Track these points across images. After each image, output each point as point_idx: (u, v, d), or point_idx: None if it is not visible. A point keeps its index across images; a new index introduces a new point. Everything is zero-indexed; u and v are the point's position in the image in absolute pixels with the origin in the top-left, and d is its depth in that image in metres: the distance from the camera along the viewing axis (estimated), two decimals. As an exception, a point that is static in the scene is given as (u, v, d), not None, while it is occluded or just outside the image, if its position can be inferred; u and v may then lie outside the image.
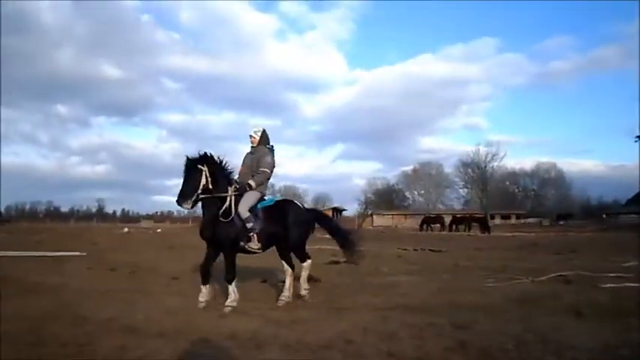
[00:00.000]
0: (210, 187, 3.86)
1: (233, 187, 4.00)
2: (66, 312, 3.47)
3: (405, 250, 11.33)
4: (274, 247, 4.36)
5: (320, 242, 13.28)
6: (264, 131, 4.21)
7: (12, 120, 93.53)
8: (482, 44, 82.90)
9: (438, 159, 61.32)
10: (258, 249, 3.99)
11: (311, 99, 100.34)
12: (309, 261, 4.30)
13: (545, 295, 4.19)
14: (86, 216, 56.77)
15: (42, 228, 24.56)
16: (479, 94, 79.56)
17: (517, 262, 7.73)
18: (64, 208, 65.28)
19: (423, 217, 34.28)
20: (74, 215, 56.66)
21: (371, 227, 38.59)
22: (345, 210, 49.04)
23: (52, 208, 64.68)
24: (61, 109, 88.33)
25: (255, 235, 3.93)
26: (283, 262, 4.39)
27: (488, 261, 8.04)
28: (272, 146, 4.26)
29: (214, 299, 4.08)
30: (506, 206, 49.11)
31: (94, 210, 63.53)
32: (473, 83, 77.60)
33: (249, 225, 3.89)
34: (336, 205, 49.68)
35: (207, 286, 3.99)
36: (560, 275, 5.42)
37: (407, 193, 58.83)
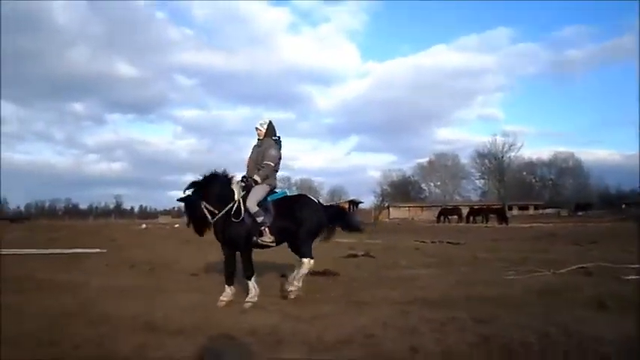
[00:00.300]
0: (215, 212, 3.91)
1: (238, 187, 4.01)
2: (86, 310, 3.54)
3: (423, 242, 11.26)
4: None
5: (337, 235, 14.02)
6: (270, 123, 4.20)
7: (25, 119, 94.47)
8: (497, 34, 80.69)
9: (454, 150, 60.61)
10: (272, 242, 3.97)
11: (324, 92, 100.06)
12: (311, 261, 4.08)
13: (567, 288, 4.11)
14: (104, 213, 58.38)
15: (61, 225, 24.94)
16: (494, 84, 77.35)
17: (536, 253, 7.59)
18: (83, 206, 67.19)
19: (439, 208, 33.89)
20: (92, 212, 58.27)
21: (387, 219, 38.48)
22: (361, 202, 49.00)
23: (70, 206, 66.64)
24: (77, 106, 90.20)
25: (266, 229, 3.93)
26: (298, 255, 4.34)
27: (507, 253, 7.91)
28: (278, 137, 4.23)
29: (235, 295, 4.12)
30: (524, 197, 48.16)
31: (111, 207, 65.11)
32: (488, 74, 75.68)
33: (259, 219, 3.89)
34: (352, 197, 49.48)
35: (232, 286, 4.01)
36: (581, 267, 5.31)
37: (423, 185, 58.42)
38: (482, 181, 52.76)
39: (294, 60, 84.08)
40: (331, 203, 6.93)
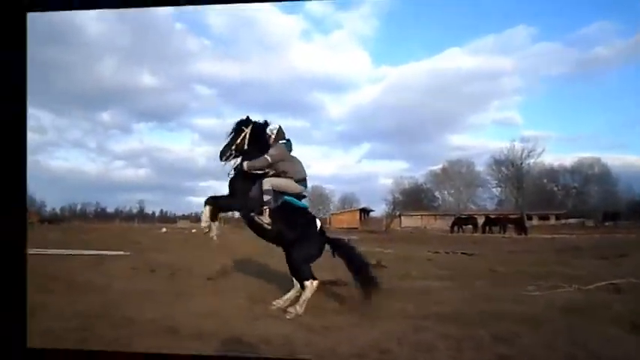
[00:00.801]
0: (246, 147, 4.13)
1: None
2: (111, 312, 3.64)
3: (436, 252, 10.98)
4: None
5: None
6: (279, 129, 4.36)
7: (63, 128, 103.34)
8: (516, 33, 77.23)
9: (469, 157, 57.43)
10: (268, 224, 4.03)
11: (337, 99, 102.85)
12: (313, 282, 4.04)
13: (594, 306, 3.85)
14: (128, 217, 60.86)
15: (91, 228, 26.06)
16: (511, 86, 73.50)
17: (559, 266, 7.20)
18: (110, 209, 70.94)
19: (454, 218, 32.94)
20: (118, 216, 60.97)
21: (399, 228, 37.98)
22: (372, 210, 48.31)
23: (99, 209, 70.33)
24: (105, 116, 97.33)
25: (267, 210, 4.00)
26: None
27: (526, 265, 7.53)
28: (287, 140, 4.36)
29: (248, 301, 4.15)
30: (545, 206, 45.53)
31: (134, 211, 68.18)
32: (505, 76, 72.50)
33: (265, 198, 4.00)
34: (363, 205, 48.79)
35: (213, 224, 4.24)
36: (610, 283, 4.97)
37: (436, 193, 56.76)
38: (498, 189, 50.16)
39: (307, 67, 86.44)
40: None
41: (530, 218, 39.34)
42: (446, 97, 74.02)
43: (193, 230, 23.05)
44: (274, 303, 4.11)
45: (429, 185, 56.26)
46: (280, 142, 4.35)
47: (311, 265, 4.11)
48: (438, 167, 55.41)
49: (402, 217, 45.09)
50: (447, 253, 10.90)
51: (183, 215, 60.74)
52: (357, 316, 3.62)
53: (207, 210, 4.11)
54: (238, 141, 4.16)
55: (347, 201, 58.01)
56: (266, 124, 4.36)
